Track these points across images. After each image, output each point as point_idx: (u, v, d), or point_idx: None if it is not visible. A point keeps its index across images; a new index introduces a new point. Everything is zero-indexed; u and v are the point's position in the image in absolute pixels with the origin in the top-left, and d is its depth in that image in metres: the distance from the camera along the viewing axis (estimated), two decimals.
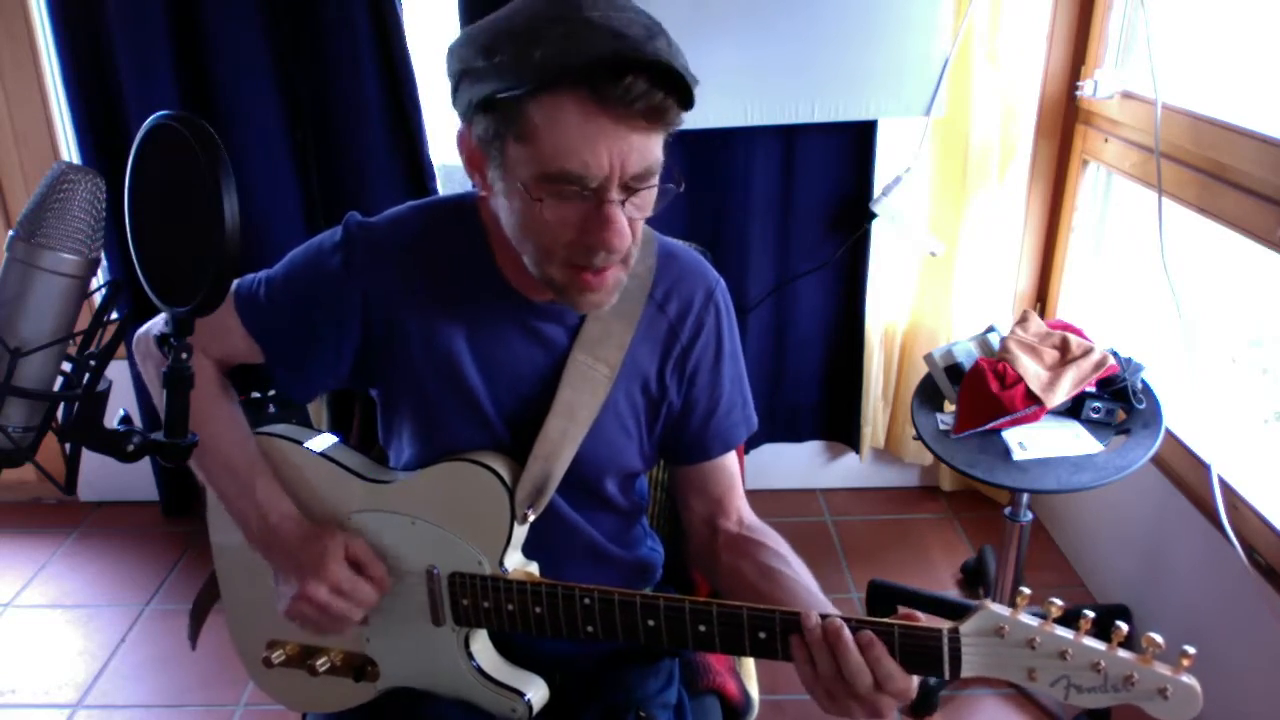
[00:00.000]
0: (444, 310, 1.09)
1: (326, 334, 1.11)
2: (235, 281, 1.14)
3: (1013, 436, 1.88)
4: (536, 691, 1.13)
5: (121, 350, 0.84)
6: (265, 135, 2.29)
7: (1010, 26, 2.24)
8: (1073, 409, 1.93)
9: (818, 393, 2.66)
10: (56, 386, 0.78)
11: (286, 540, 1.09)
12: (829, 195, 2.42)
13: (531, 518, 1.10)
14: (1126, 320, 2.35)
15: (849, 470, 2.80)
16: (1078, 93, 2.23)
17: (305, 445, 1.17)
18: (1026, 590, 0.90)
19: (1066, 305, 2.46)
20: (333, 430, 1.34)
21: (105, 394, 0.79)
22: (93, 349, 0.79)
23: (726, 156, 2.33)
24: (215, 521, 1.21)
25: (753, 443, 2.66)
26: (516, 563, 1.11)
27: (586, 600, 1.04)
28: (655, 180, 0.94)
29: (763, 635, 0.98)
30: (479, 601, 1.09)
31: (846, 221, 2.44)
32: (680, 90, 0.89)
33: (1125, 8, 2.16)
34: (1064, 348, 1.96)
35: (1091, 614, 0.88)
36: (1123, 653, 0.87)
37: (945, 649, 0.92)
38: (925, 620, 0.94)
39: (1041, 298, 2.53)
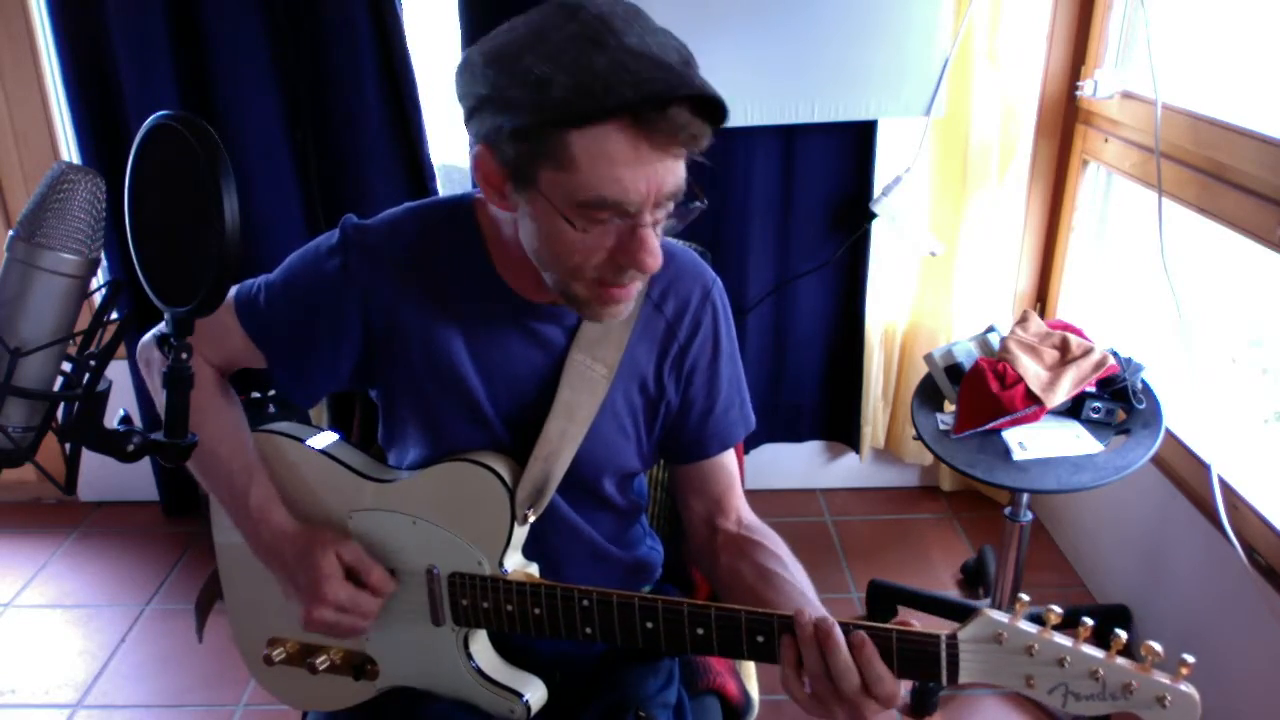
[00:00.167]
0: (442, 312, 1.10)
1: (326, 337, 1.11)
2: (235, 286, 1.14)
3: (1013, 436, 1.88)
4: (535, 692, 1.13)
5: (122, 350, 0.84)
6: (265, 135, 2.29)
7: (1010, 26, 2.24)
8: (1073, 409, 1.93)
9: (818, 393, 2.66)
10: (56, 386, 0.78)
11: (282, 557, 1.10)
12: (829, 195, 2.42)
13: (532, 518, 1.10)
14: (1126, 320, 2.35)
15: (849, 470, 2.80)
16: (1078, 93, 2.23)
17: (307, 443, 1.17)
18: (1025, 597, 0.90)
19: (1066, 305, 2.46)
20: (333, 429, 1.34)
21: (105, 394, 0.79)
22: (93, 349, 0.79)
23: (726, 157, 2.33)
24: (218, 521, 1.21)
25: (752, 443, 2.66)
26: (516, 563, 1.11)
27: (585, 602, 1.04)
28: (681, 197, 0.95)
29: (760, 639, 0.98)
30: (478, 602, 1.09)
31: (846, 221, 2.44)
32: (716, 117, 0.89)
33: (1125, 8, 2.16)
34: (1064, 348, 1.96)
35: (1090, 621, 0.88)
36: (1121, 660, 0.87)
37: (943, 655, 0.91)
38: (922, 625, 0.93)
39: (1041, 298, 2.53)
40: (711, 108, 0.88)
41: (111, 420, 0.80)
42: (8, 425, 0.76)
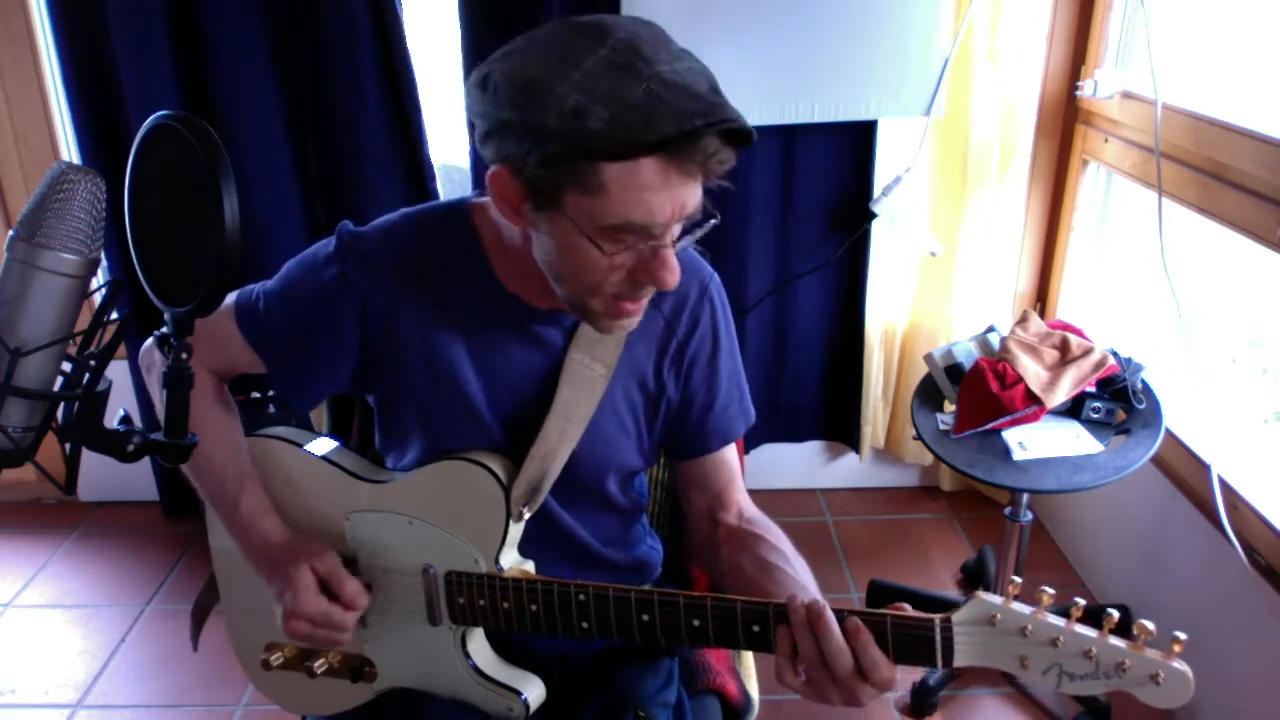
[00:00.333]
0: (441, 317, 1.10)
1: (325, 345, 1.11)
2: (235, 293, 1.15)
3: (1013, 436, 1.88)
4: (533, 690, 1.13)
5: (122, 350, 0.84)
6: (265, 135, 2.29)
7: (1010, 26, 2.24)
8: (1073, 409, 1.93)
9: (818, 393, 2.66)
10: (56, 386, 0.78)
11: (266, 566, 1.11)
12: (829, 195, 2.42)
13: (527, 515, 1.10)
14: (1126, 320, 2.35)
15: (849, 470, 2.80)
16: (1078, 93, 2.23)
17: (304, 448, 1.17)
18: (1017, 579, 0.91)
19: (1066, 305, 2.46)
20: (332, 433, 1.34)
21: (105, 394, 0.79)
22: (93, 349, 0.79)
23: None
24: (214, 525, 1.21)
25: (753, 443, 2.66)
26: (512, 561, 1.11)
27: (581, 596, 1.04)
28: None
29: (756, 628, 0.98)
30: (475, 600, 1.09)
31: (846, 221, 2.44)
32: (741, 142, 0.90)
33: (1125, 8, 2.16)
34: (1064, 348, 1.96)
35: (1083, 602, 0.89)
36: (1114, 639, 0.88)
37: (938, 638, 0.92)
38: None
39: (1041, 298, 2.53)
40: (740, 136, 0.89)
41: (111, 420, 0.80)
42: (8, 425, 0.76)
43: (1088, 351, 1.94)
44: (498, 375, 1.11)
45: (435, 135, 2.32)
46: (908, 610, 0.93)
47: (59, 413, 0.80)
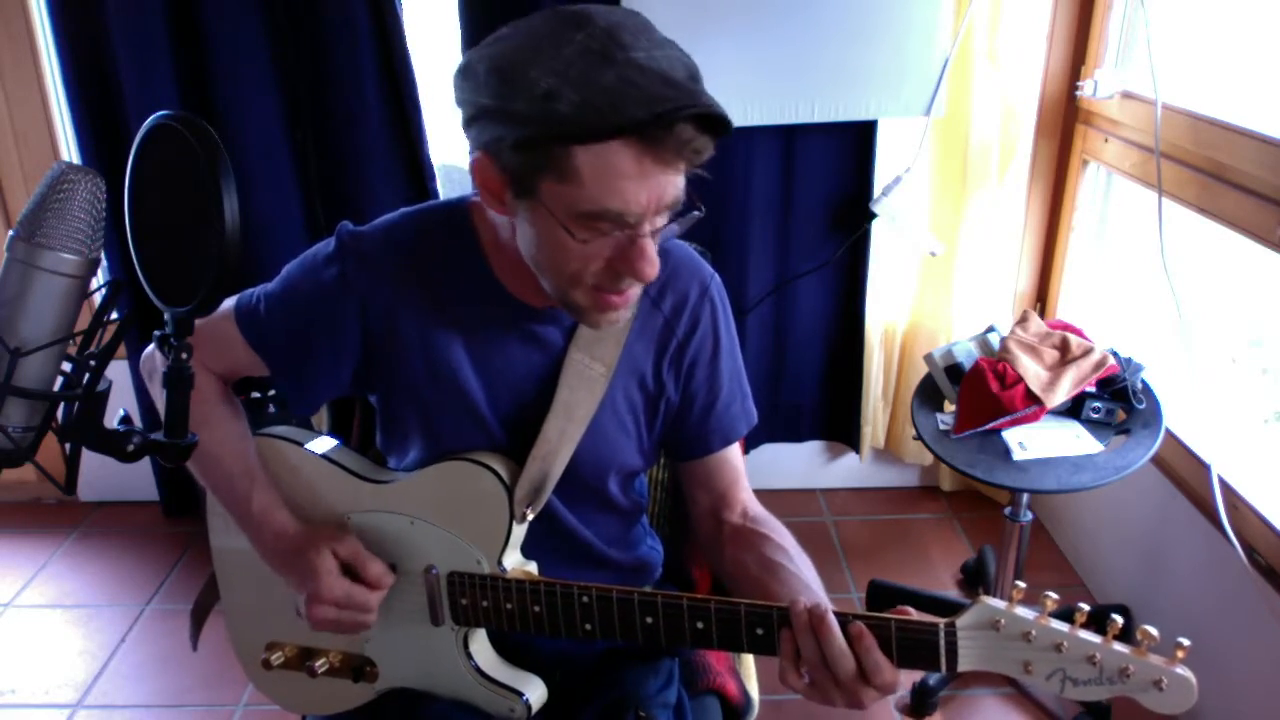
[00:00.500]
0: (441, 317, 1.10)
1: (325, 346, 1.11)
2: (236, 296, 1.15)
3: (1013, 436, 1.88)
4: (535, 691, 1.13)
5: (122, 350, 0.84)
6: (265, 135, 2.29)
7: (1010, 26, 2.24)
8: (1073, 409, 1.93)
9: (818, 392, 2.66)
10: (56, 386, 0.78)
11: (284, 558, 1.10)
12: (829, 195, 2.42)
13: (530, 516, 1.10)
14: (1126, 320, 2.35)
15: (849, 470, 2.80)
16: (1078, 93, 2.23)
17: (306, 447, 1.17)
18: (1021, 584, 0.91)
19: (1066, 305, 2.46)
20: (333, 433, 1.34)
21: (105, 394, 0.79)
22: (93, 349, 0.79)
23: (726, 157, 2.33)
24: (214, 524, 1.21)
25: (753, 443, 2.66)
26: (515, 562, 1.11)
27: (585, 598, 1.04)
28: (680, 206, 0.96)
29: (760, 631, 0.98)
30: (478, 600, 1.09)
31: (846, 221, 2.44)
32: (719, 131, 0.89)
33: (1125, 8, 2.16)
34: (1064, 348, 1.96)
35: (1087, 607, 0.89)
36: (1118, 645, 0.88)
37: (942, 643, 0.92)
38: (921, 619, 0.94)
39: (1041, 298, 2.53)
40: (716, 123, 0.88)
41: (111, 420, 0.80)
42: (8, 425, 0.76)
43: (1088, 351, 1.94)
44: (497, 375, 1.11)
45: (435, 135, 2.33)
46: (912, 614, 0.93)
47: (59, 413, 0.80)
